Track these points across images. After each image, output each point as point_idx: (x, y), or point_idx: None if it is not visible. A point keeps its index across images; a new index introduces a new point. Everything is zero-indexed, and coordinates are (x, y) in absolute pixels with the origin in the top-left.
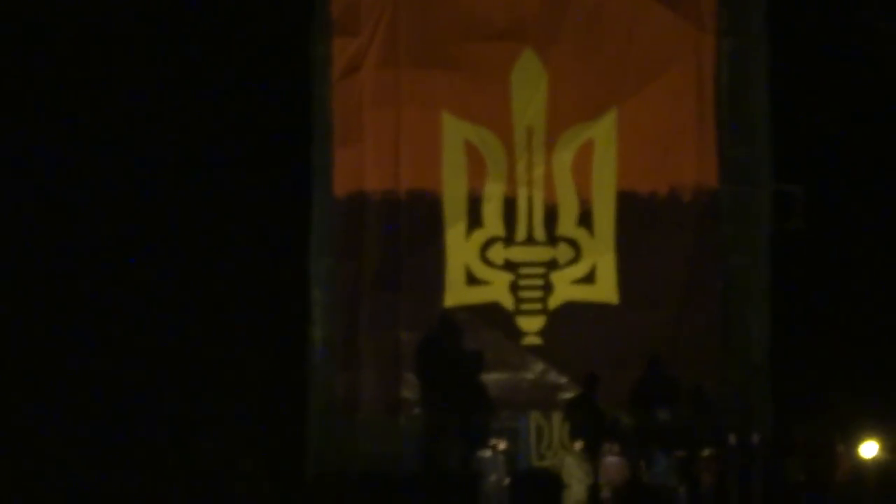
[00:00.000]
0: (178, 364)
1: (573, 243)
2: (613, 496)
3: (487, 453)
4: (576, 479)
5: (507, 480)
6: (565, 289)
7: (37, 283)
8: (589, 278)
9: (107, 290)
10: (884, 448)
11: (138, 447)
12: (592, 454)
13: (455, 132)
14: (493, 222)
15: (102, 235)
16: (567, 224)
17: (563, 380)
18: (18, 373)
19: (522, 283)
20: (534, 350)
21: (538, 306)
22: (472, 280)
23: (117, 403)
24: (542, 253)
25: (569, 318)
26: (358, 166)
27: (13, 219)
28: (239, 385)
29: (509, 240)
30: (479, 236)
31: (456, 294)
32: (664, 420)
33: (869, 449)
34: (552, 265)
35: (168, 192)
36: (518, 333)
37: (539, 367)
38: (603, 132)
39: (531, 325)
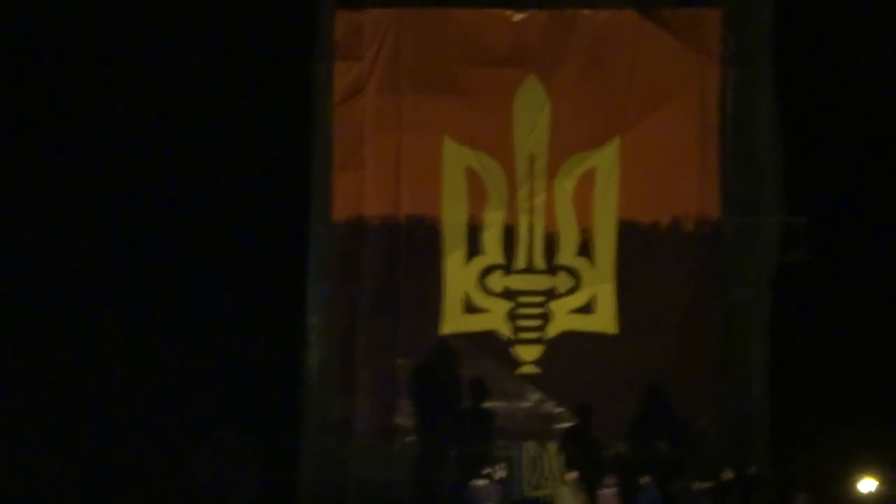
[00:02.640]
0: (172, 387)
1: (573, 272)
2: None
3: (481, 482)
4: None
5: None
6: (564, 318)
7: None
8: (588, 308)
9: (99, 310)
10: (883, 485)
11: (128, 470)
12: (588, 485)
13: (456, 158)
14: (492, 250)
15: (93, 258)
16: (567, 253)
17: (559, 410)
18: None
19: (521, 311)
20: (531, 379)
21: (536, 335)
22: (470, 308)
23: (107, 424)
24: (541, 281)
25: (567, 348)
26: (357, 191)
27: None
28: (232, 409)
29: (509, 268)
30: (479, 264)
31: (453, 322)
32: (660, 452)
33: (867, 485)
34: (551, 294)
35: (163, 213)
36: (515, 362)
37: (536, 396)
38: (605, 161)
39: (529, 353)
